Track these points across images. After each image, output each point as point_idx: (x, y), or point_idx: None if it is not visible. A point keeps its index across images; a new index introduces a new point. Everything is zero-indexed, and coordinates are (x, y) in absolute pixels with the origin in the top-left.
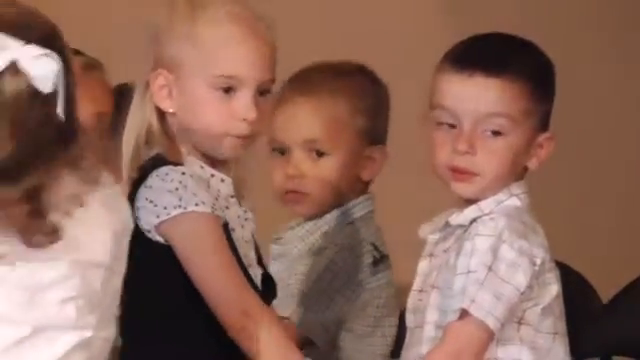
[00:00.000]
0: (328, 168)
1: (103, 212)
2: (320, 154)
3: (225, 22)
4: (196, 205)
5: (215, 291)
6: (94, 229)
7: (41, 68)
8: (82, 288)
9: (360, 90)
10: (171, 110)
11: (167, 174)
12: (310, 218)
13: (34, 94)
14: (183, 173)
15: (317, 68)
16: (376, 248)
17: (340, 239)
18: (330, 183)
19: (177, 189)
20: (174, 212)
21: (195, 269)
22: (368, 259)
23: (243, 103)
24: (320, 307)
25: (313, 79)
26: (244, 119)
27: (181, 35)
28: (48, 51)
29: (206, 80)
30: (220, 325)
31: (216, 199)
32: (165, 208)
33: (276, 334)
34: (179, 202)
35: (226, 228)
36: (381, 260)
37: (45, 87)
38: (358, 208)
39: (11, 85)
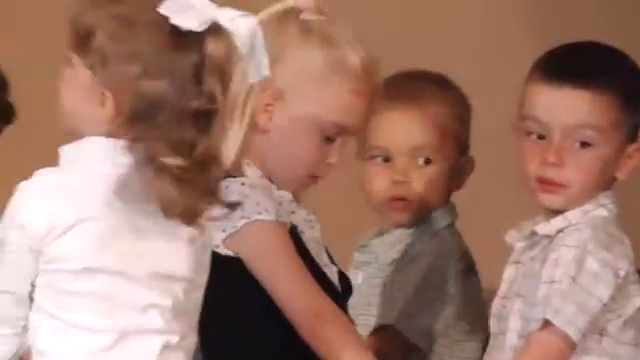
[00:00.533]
0: (434, 175)
1: (181, 225)
2: (427, 161)
3: (354, 71)
4: (259, 214)
5: (287, 296)
6: (173, 242)
7: (242, 27)
8: (164, 297)
9: (455, 98)
10: (266, 129)
11: (227, 187)
12: (399, 226)
13: (234, 54)
14: (242, 184)
15: (410, 76)
16: (467, 254)
17: (432, 246)
18: (434, 191)
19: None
20: (239, 223)
21: (265, 276)
22: (461, 265)
23: (335, 148)
24: (418, 313)
25: (412, 87)
26: (329, 163)
27: (306, 68)
28: (244, 12)
29: (316, 121)
30: (295, 334)
31: (280, 204)
32: (230, 221)
33: (351, 338)
34: (242, 213)
35: (295, 231)
36: (472, 266)
37: (244, 47)
38: (443, 217)
39: (217, 43)
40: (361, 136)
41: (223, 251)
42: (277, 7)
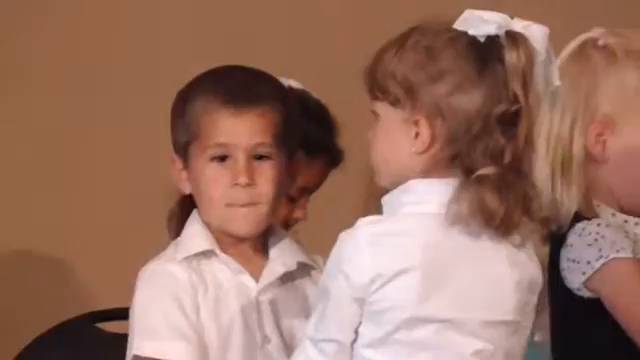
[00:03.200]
0: None
1: (506, 268)
2: None
3: None
4: (617, 252)
5: None
6: (500, 285)
7: (536, 33)
8: (490, 343)
9: None
10: (603, 159)
11: (584, 229)
12: None
13: (533, 57)
14: (599, 224)
15: None
16: None
17: None
18: None
19: (596, 240)
20: (597, 264)
21: (622, 315)
22: None
23: None
24: None
25: None
26: None
27: (627, 88)
28: (531, 22)
29: None
30: None
31: (634, 242)
32: (588, 263)
33: None
34: (599, 253)
35: None
36: None
37: (540, 52)
38: None
39: (517, 48)
40: None
41: (585, 294)
42: (571, 45)
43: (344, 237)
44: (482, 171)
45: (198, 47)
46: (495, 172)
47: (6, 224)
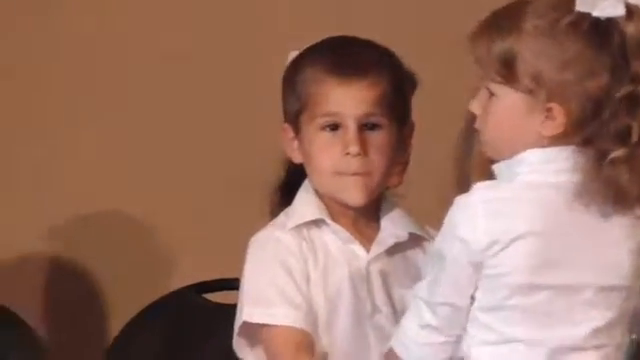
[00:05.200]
0: None
1: (624, 237)
2: None
3: None
4: None
5: None
6: (618, 252)
7: None
8: (605, 311)
9: None
10: None
11: None
12: None
13: None
14: None
15: None
16: None
17: None
18: None
19: None
20: None
21: None
22: None
23: None
24: None
25: None
26: None
27: None
28: None
29: None
30: None
31: None
32: None
33: None
34: None
35: None
36: None
37: None
38: None
39: (635, 22)
40: None
41: None
42: None
43: (459, 201)
44: (615, 154)
45: (305, 21)
46: (627, 153)
47: (115, 198)
